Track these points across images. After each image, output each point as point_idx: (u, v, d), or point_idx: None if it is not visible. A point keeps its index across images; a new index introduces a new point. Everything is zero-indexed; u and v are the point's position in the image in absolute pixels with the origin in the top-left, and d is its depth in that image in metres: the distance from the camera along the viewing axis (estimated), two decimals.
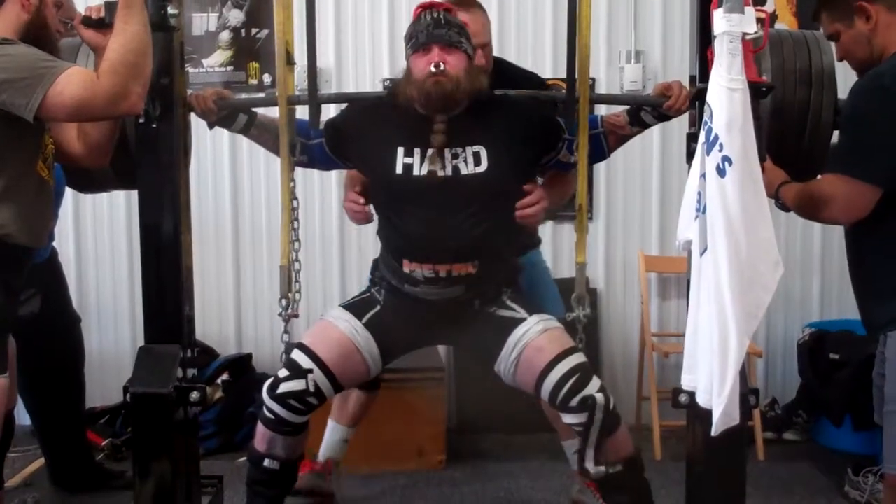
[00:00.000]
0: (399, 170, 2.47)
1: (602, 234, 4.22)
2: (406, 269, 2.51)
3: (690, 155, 2.31)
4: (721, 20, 2.01)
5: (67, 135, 2.38)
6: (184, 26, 2.45)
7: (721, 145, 1.98)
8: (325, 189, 4.13)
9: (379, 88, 3.92)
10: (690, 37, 2.48)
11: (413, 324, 2.60)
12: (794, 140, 2.41)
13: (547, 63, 4.11)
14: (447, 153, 2.45)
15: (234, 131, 2.64)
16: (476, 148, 2.46)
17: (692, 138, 2.36)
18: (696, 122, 2.35)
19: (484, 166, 2.46)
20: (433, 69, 2.37)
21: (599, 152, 2.60)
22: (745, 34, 2.02)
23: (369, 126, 2.53)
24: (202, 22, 4.15)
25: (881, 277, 2.35)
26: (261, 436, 2.57)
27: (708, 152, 2.01)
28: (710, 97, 2.04)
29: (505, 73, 2.82)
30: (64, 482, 3.38)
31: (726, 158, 1.97)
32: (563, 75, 2.48)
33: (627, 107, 2.58)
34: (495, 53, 2.94)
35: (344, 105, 2.88)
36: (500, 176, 2.46)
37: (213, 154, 4.19)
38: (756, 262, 1.99)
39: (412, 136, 2.47)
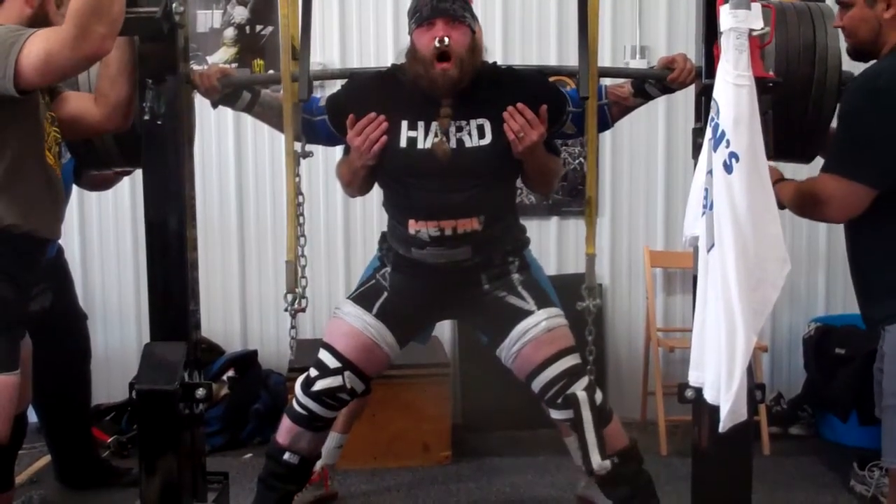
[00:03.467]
0: (403, 143, 2.46)
1: (607, 229, 4.21)
2: (412, 230, 2.50)
3: (696, 149, 2.31)
4: (728, 16, 2.01)
5: (83, 104, 2.35)
6: (188, 23, 2.44)
7: (728, 142, 1.98)
8: (330, 182, 4.11)
9: None
10: (696, 32, 2.48)
11: (422, 301, 2.62)
12: (800, 109, 2.40)
13: (552, 51, 4.09)
14: (451, 126, 2.45)
15: (237, 110, 2.64)
16: (480, 121, 2.46)
17: (698, 133, 2.36)
18: (702, 116, 2.35)
19: (488, 139, 2.46)
20: (438, 44, 2.36)
21: (603, 123, 2.60)
22: (751, 30, 2.01)
23: (372, 99, 2.50)
24: (206, 19, 4.14)
25: (878, 274, 2.37)
26: (286, 430, 2.60)
27: (715, 149, 2.01)
28: (717, 93, 2.04)
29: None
30: (70, 479, 3.39)
31: (733, 155, 1.97)
32: (568, 63, 2.47)
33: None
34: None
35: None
36: (505, 148, 2.45)
37: (218, 151, 4.17)
38: (763, 259, 1.99)
39: (416, 110, 2.47)
